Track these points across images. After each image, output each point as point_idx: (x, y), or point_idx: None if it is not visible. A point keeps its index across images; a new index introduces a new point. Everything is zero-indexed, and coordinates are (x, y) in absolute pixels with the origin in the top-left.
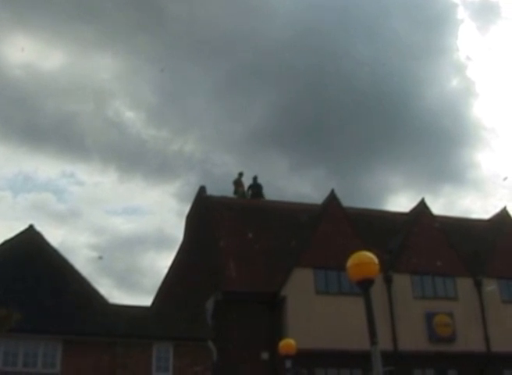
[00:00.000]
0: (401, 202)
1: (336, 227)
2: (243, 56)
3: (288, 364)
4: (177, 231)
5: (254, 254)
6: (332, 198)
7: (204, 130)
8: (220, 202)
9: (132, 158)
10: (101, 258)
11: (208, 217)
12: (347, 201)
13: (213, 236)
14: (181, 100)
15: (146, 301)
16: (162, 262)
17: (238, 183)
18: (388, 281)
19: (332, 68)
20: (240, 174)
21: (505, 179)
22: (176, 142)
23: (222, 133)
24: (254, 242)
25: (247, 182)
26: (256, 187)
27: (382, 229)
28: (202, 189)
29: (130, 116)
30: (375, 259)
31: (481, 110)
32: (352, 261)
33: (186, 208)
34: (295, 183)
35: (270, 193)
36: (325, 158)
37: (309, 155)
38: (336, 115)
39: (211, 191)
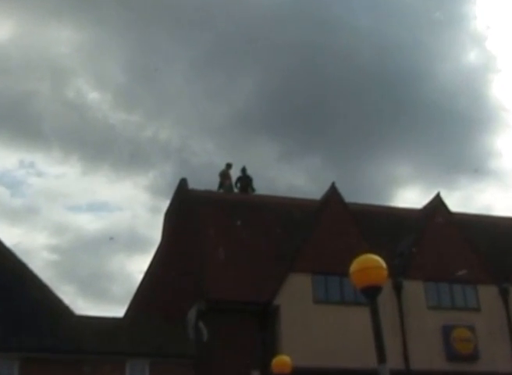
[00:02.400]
0: (411, 197)
1: (338, 226)
2: (227, 28)
3: None
4: (151, 230)
5: (243, 257)
6: (333, 193)
7: (182, 113)
8: (204, 197)
9: (98, 146)
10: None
11: (189, 214)
12: (348, 195)
13: (196, 236)
14: (155, 79)
15: (116, 311)
16: (135, 265)
17: (225, 175)
18: (398, 289)
19: (328, 41)
20: (228, 165)
21: None
22: (149, 127)
23: (203, 117)
24: (243, 244)
25: (234, 175)
26: (245, 180)
27: (390, 228)
28: (183, 182)
29: (95, 97)
30: (383, 263)
31: (503, 89)
32: (356, 265)
33: (162, 204)
34: (287, 174)
35: (258, 185)
36: (322, 146)
37: (303, 142)
38: (334, 96)
39: (191, 183)
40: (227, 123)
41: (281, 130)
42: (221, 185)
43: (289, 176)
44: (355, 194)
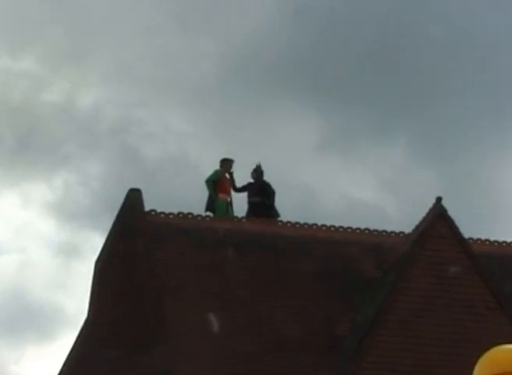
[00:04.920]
0: None
1: (450, 285)
2: None
3: None
4: (64, 294)
5: (254, 346)
6: (438, 219)
7: (123, 53)
8: (175, 229)
9: None
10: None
11: (145, 263)
12: (465, 223)
13: (157, 308)
14: None
15: None
16: (30, 365)
17: (219, 182)
18: None
19: None
20: (226, 163)
21: None
22: (52, 82)
23: (168, 63)
24: (252, 319)
25: (238, 181)
26: (260, 193)
27: None
28: (133, 196)
29: None
30: None
31: None
32: (487, 366)
33: (84, 240)
34: (337, 179)
35: (284, 202)
36: (406, 128)
37: (368, 119)
38: (429, 26)
39: (149, 200)
40: (217, 77)
41: (323, 93)
42: (210, 203)
43: (341, 181)
44: (474, 218)
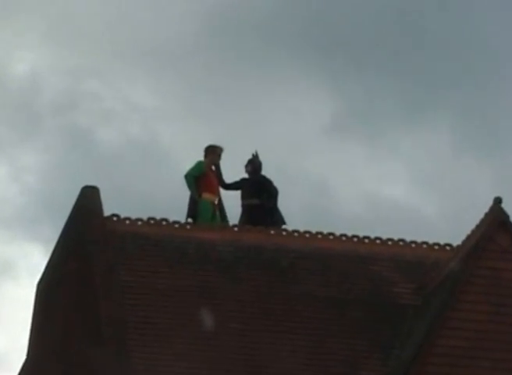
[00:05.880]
0: None
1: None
2: None
3: None
4: None
5: None
6: (496, 226)
7: (68, 8)
8: (144, 240)
9: None
10: None
11: (106, 289)
12: None
13: (121, 347)
14: None
15: None
16: None
17: (205, 178)
18: None
19: None
20: (212, 149)
21: None
22: None
23: (128, 17)
24: (247, 366)
25: (228, 176)
26: (257, 191)
27: None
28: (89, 195)
29: None
30: None
31: None
32: None
33: (21, 256)
34: (354, 171)
35: (289, 202)
36: (452, 101)
37: (398, 89)
38: None
39: (111, 202)
40: (196, 38)
41: (338, 59)
42: (192, 206)
43: (363, 176)
44: None
